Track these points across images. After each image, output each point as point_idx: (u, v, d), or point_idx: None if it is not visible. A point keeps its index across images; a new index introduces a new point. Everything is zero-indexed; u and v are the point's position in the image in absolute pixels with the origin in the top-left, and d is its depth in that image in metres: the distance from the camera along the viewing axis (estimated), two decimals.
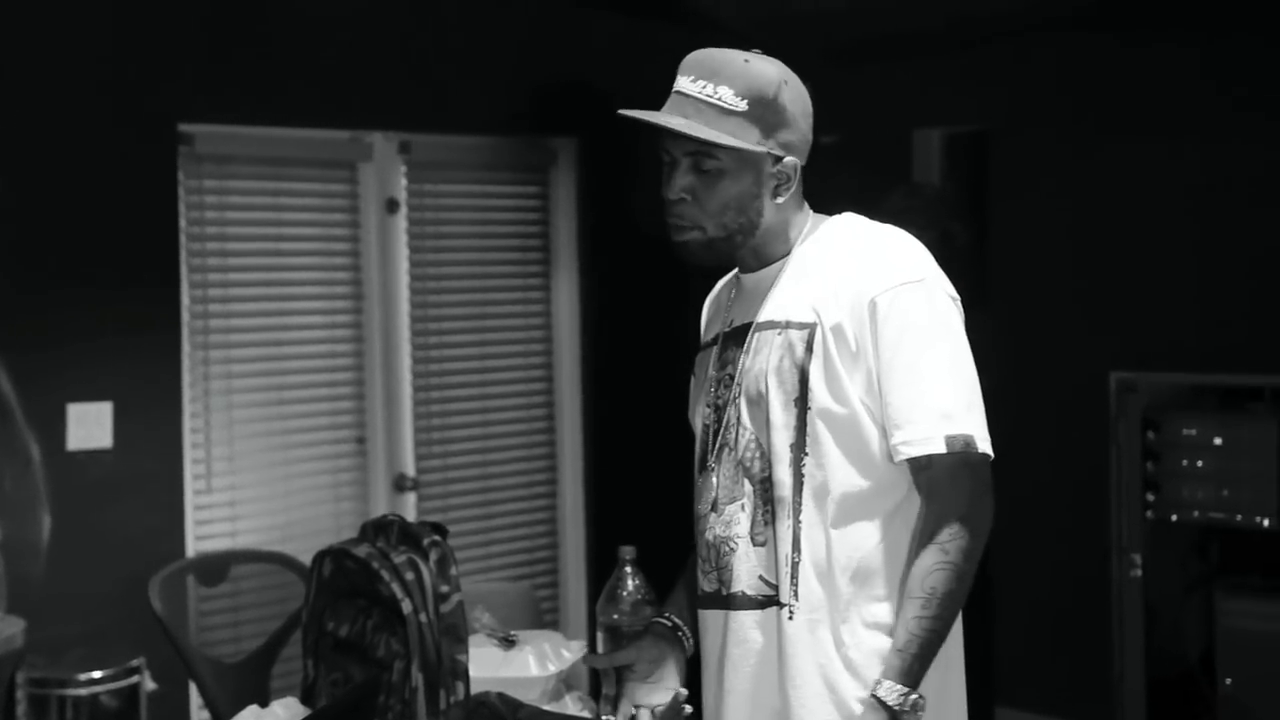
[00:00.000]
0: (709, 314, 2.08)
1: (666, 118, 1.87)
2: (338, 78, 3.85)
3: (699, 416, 1.98)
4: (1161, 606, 3.85)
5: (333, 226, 3.93)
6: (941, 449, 1.78)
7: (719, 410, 1.92)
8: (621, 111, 1.90)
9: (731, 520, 1.87)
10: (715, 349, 1.97)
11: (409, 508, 4.01)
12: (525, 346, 4.33)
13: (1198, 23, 3.85)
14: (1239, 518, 3.67)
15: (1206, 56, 3.91)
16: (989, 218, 4.36)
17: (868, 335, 1.81)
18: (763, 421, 1.85)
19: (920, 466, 1.81)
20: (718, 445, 1.91)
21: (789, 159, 1.88)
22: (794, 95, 1.88)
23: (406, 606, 2.03)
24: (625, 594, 2.03)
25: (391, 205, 4.00)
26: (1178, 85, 3.96)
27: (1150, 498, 3.80)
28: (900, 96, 4.37)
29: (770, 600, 1.84)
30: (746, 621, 1.85)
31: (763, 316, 1.90)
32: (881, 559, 1.82)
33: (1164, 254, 4.00)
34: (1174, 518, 3.77)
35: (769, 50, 1.91)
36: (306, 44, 3.81)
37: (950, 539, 1.76)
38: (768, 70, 1.87)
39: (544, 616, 4.04)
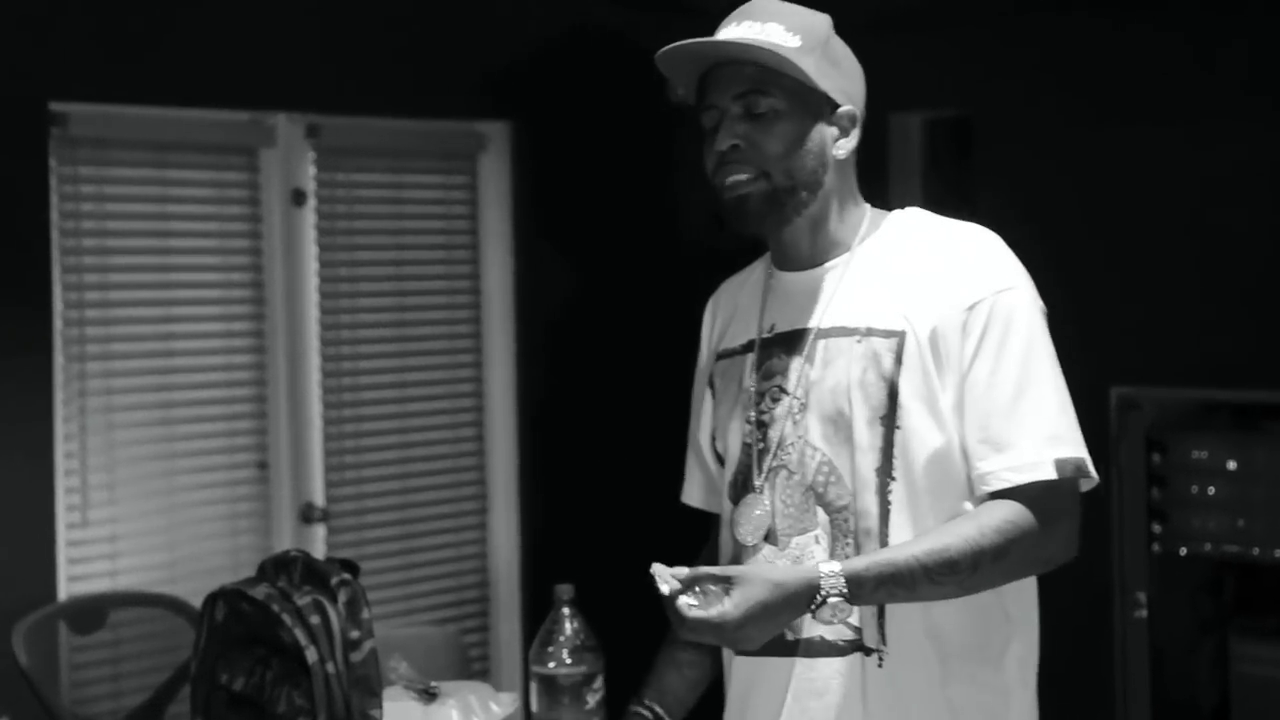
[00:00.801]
0: (724, 317, 2.02)
1: (723, 34, 1.85)
2: (235, 50, 3.81)
3: (732, 434, 1.93)
4: (1170, 651, 3.86)
5: (230, 221, 3.89)
6: (1051, 475, 1.77)
7: (764, 426, 1.88)
8: (663, 50, 1.87)
9: (802, 554, 1.84)
10: (750, 357, 1.93)
11: (317, 542, 3.99)
12: (452, 358, 4.32)
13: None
14: (1256, 551, 3.69)
15: (1216, 37, 3.93)
16: (974, 213, 4.37)
17: (959, 347, 1.79)
18: (842, 442, 1.83)
19: (1001, 496, 1.78)
20: (768, 467, 1.87)
21: (847, 108, 1.87)
22: (845, 49, 1.90)
23: (311, 655, 2.00)
24: (562, 639, 2.03)
25: (298, 197, 3.97)
26: (1183, 70, 3.99)
27: (1156, 529, 3.81)
28: (875, 77, 4.37)
29: (854, 645, 1.81)
30: (825, 671, 1.81)
31: (829, 321, 1.86)
32: (987, 600, 1.80)
33: (1169, 254, 4.02)
34: (1183, 551, 3.79)
35: None
36: (200, 11, 3.77)
37: (998, 532, 1.74)
38: (817, 14, 1.89)
39: (472, 665, 4.03)
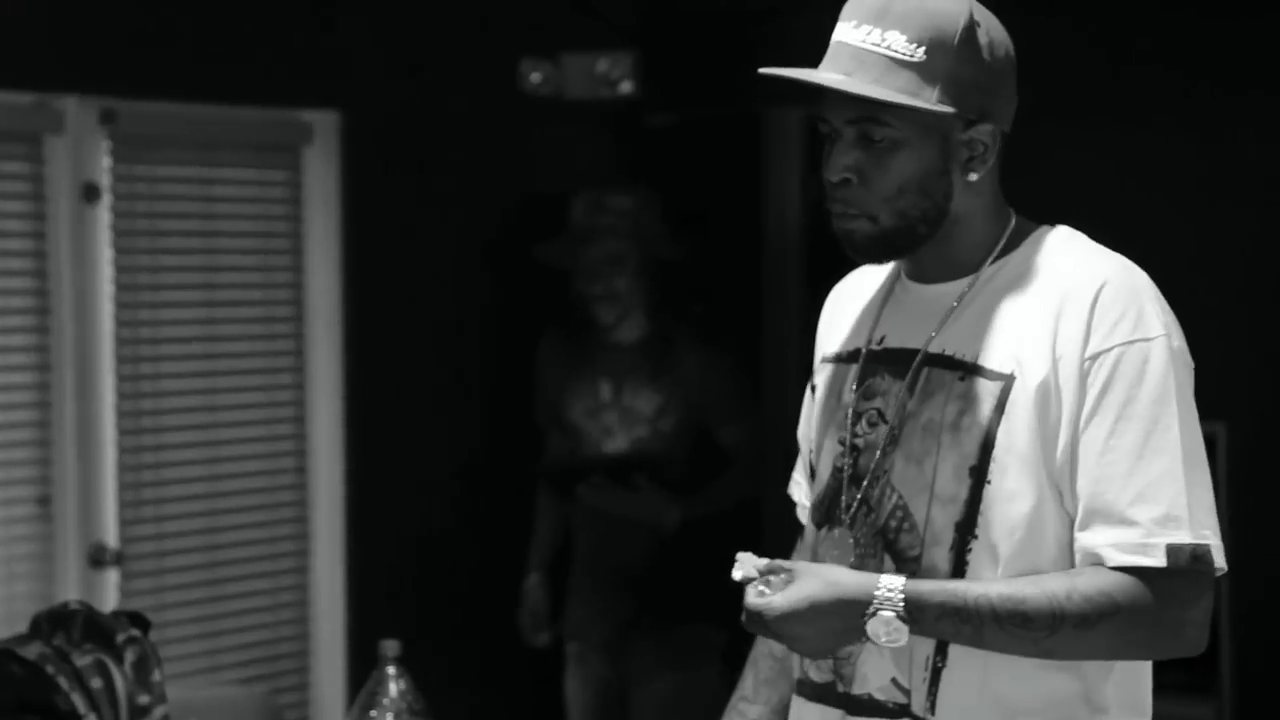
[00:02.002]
0: (845, 317, 2.04)
1: (817, 73, 1.85)
2: (17, 24, 3.76)
3: (825, 452, 1.97)
4: None
5: (9, 219, 3.84)
6: (1160, 561, 1.76)
7: (857, 453, 1.91)
8: (763, 70, 1.87)
9: None
10: (854, 369, 1.95)
11: (108, 589, 3.94)
12: (270, 378, 4.30)
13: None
14: None
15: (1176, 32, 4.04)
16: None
17: (1074, 402, 1.79)
18: (922, 488, 1.85)
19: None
20: (855, 501, 1.90)
21: (984, 125, 1.86)
22: (990, 40, 1.86)
23: None
24: (386, 701, 2.06)
25: (90, 192, 3.93)
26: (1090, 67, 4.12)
27: None
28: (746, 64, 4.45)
29: (903, 710, 1.85)
30: None
31: (937, 347, 1.88)
32: (1054, 679, 1.81)
33: None
34: None
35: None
36: None
37: (1087, 601, 1.75)
38: (951, 6, 1.84)
39: None
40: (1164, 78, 4.02)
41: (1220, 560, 1.79)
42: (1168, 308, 1.86)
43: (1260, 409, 3.90)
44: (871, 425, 1.91)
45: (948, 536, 1.83)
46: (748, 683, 2.10)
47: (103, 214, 3.96)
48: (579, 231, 4.01)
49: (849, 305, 2.04)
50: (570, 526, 4.16)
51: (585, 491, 3.98)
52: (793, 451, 2.16)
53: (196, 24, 4.06)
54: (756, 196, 4.58)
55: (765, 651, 2.09)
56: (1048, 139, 3.87)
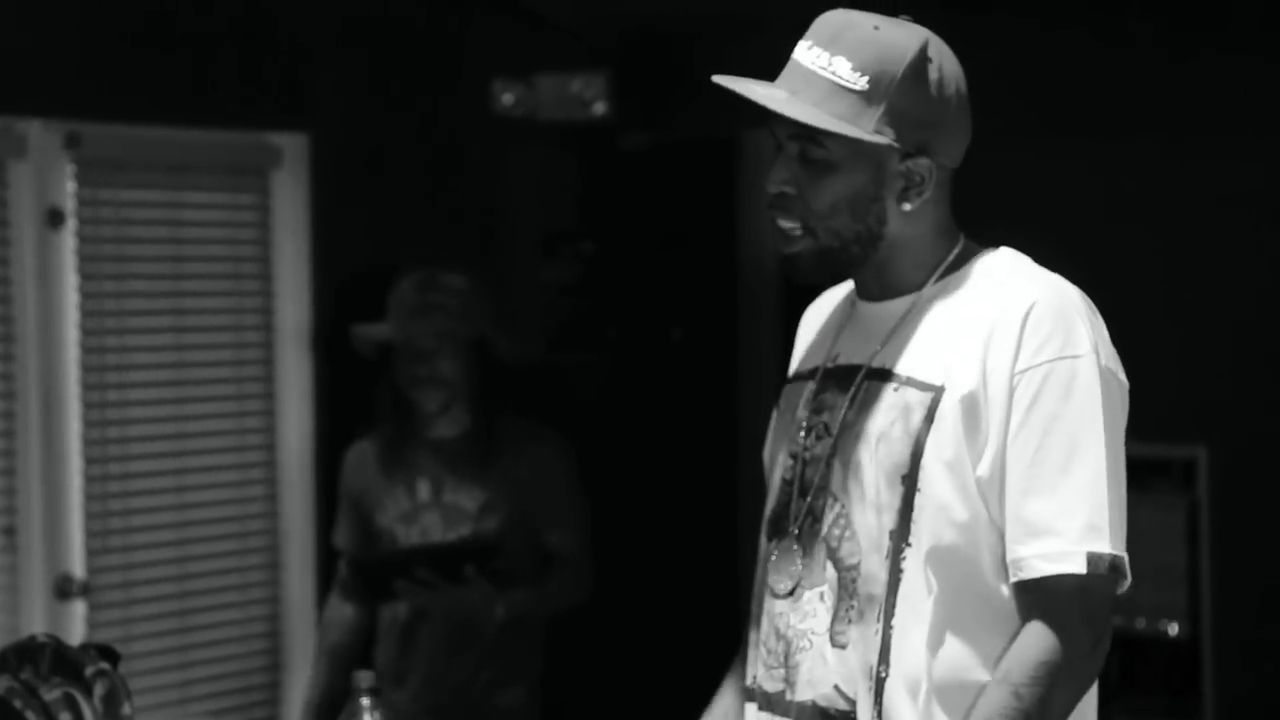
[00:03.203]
0: (810, 336, 2.12)
1: (757, 88, 1.91)
2: None
3: (779, 466, 2.03)
4: None
5: None
6: (1079, 568, 1.82)
7: (804, 465, 1.97)
8: (716, 78, 1.93)
9: (809, 611, 1.94)
10: (811, 385, 2.02)
11: (75, 621, 3.92)
12: (240, 405, 4.29)
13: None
14: (1140, 623, 3.80)
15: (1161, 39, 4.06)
16: None
17: (1002, 416, 1.85)
18: (858, 496, 1.91)
19: (1026, 587, 1.85)
20: (802, 512, 1.96)
21: (922, 159, 1.91)
22: (941, 75, 1.91)
23: None
24: None
25: (54, 217, 3.93)
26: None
27: None
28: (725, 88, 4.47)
29: (844, 717, 1.90)
30: None
31: (878, 362, 1.94)
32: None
33: None
34: None
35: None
36: None
37: (1034, 681, 1.80)
38: (900, 40, 1.90)
39: None
40: (1139, 95, 4.04)
41: (1128, 575, 1.86)
42: (1101, 327, 1.92)
43: (1240, 432, 3.91)
44: (818, 438, 1.98)
45: (883, 544, 1.89)
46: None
47: (68, 239, 3.95)
48: (406, 309, 3.68)
49: (815, 325, 2.12)
50: (376, 633, 3.76)
51: (405, 588, 3.46)
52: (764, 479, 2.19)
53: (162, 46, 4.06)
54: (732, 219, 4.58)
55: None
56: (1022, 157, 3.90)
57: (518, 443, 3.65)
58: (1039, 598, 1.83)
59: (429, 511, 3.66)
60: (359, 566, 3.69)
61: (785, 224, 1.93)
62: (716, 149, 4.58)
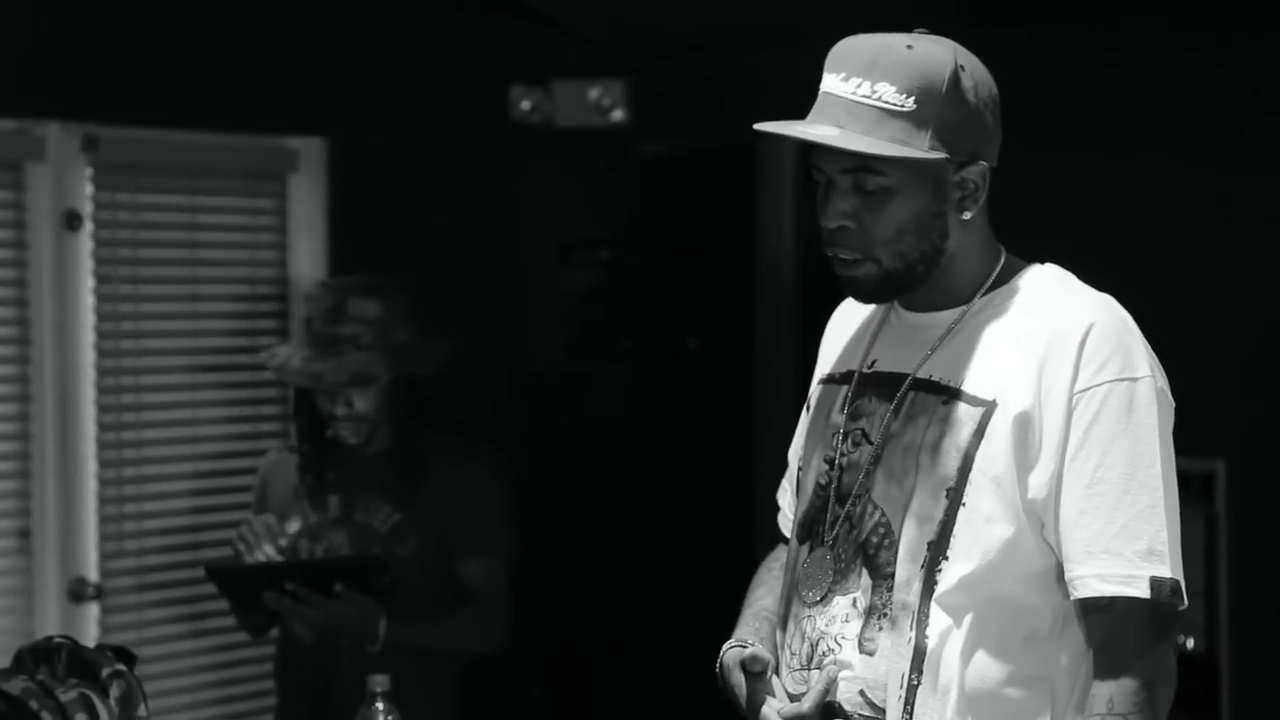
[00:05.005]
0: (841, 339, 2.13)
1: (813, 129, 1.92)
2: None
3: (811, 470, 2.05)
4: None
5: None
6: (1144, 593, 1.85)
7: (842, 471, 2.00)
8: (758, 126, 1.94)
9: (838, 615, 1.96)
10: (845, 390, 2.04)
11: (89, 624, 3.94)
12: (255, 410, 4.31)
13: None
14: None
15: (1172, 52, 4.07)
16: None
17: (1058, 435, 1.87)
18: (900, 506, 1.93)
19: (1097, 608, 1.87)
20: (839, 517, 1.99)
21: (974, 165, 1.94)
22: (975, 81, 1.94)
23: None
24: None
25: (72, 220, 3.95)
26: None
27: None
28: (740, 94, 4.48)
29: None
30: None
31: (924, 373, 1.97)
32: (1024, 696, 1.90)
33: None
34: None
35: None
36: None
37: (1138, 708, 1.83)
38: (937, 54, 1.92)
39: None
40: (1159, 111, 4.05)
41: (1186, 599, 1.89)
42: (1151, 350, 1.95)
43: (1259, 446, 3.91)
44: (856, 445, 2.00)
45: (921, 553, 1.91)
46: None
47: (84, 242, 3.97)
48: (317, 342, 3.34)
49: (847, 328, 2.13)
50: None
51: (272, 599, 3.19)
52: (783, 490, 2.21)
53: (180, 50, 4.07)
54: (750, 228, 4.58)
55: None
56: (1038, 172, 3.91)
57: (443, 466, 3.38)
58: (1115, 622, 1.86)
59: (337, 530, 3.40)
60: (212, 572, 3.42)
61: (847, 256, 1.96)
62: (735, 157, 4.58)
